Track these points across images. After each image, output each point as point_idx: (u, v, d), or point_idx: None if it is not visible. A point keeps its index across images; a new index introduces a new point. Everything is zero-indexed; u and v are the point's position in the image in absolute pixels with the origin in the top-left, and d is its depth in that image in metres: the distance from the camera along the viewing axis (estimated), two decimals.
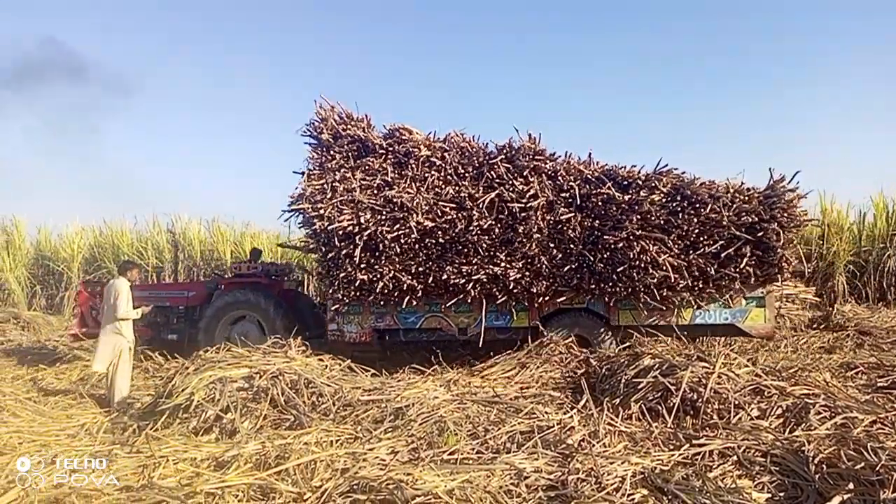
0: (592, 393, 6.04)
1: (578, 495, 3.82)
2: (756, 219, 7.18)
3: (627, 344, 7.63)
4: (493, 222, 7.44)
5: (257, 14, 46.42)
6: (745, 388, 5.57)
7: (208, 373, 5.99)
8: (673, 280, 7.24)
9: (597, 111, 48.38)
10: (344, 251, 7.49)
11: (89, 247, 17.82)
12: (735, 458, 4.41)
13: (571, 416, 5.38)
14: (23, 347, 11.24)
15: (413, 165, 7.82)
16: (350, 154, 8.09)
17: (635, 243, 7.20)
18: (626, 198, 7.37)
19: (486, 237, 7.43)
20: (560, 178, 7.70)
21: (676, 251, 7.27)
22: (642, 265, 7.22)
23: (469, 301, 7.80)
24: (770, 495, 3.95)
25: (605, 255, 7.35)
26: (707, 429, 5.08)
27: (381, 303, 8.00)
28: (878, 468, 3.93)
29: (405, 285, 7.59)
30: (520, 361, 7.31)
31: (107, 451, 4.98)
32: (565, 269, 7.50)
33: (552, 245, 7.51)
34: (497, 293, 7.66)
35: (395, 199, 7.44)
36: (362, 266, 7.50)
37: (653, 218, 7.26)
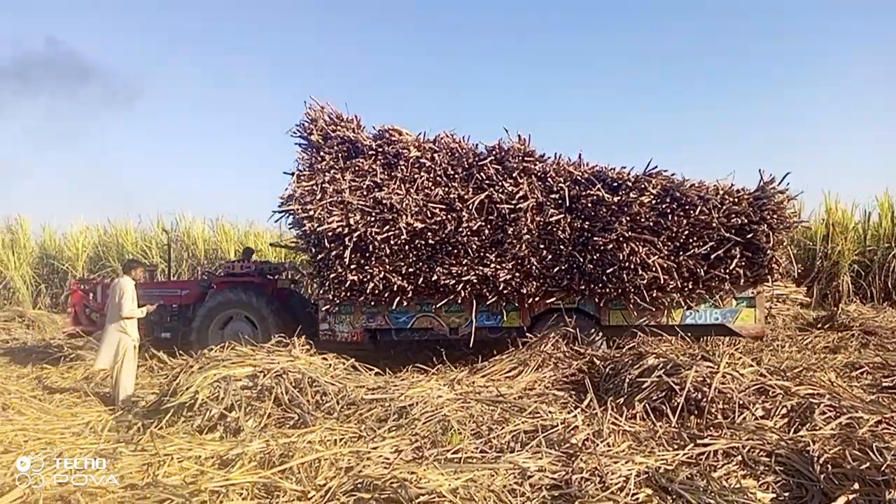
0: (596, 392, 6.03)
1: (582, 494, 3.81)
2: (746, 220, 7.23)
3: (632, 343, 7.62)
4: (483, 223, 7.48)
5: (257, 14, 46.57)
6: (750, 387, 5.55)
7: (212, 371, 6.00)
8: (662, 281, 7.30)
9: (597, 111, 48.47)
10: (334, 252, 7.53)
11: (93, 246, 17.88)
12: (739, 457, 4.40)
13: (575, 416, 5.38)
14: (28, 346, 11.28)
15: (403, 166, 7.83)
16: (340, 155, 8.08)
17: (625, 245, 7.25)
18: (616, 199, 7.40)
19: (476, 238, 7.47)
20: (550, 179, 7.74)
21: (666, 252, 7.33)
22: (632, 266, 7.27)
23: (460, 301, 7.83)
24: (775, 495, 3.94)
25: (595, 257, 7.40)
26: (711, 428, 5.07)
27: (372, 303, 8.03)
28: (883, 468, 3.92)
29: (395, 286, 7.63)
30: (522, 361, 7.30)
31: (111, 449, 4.99)
32: (555, 269, 7.54)
33: (542, 246, 7.54)
34: (487, 294, 7.69)
35: (384, 201, 7.47)
36: (352, 267, 7.55)
37: (642, 219, 7.30)
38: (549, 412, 5.52)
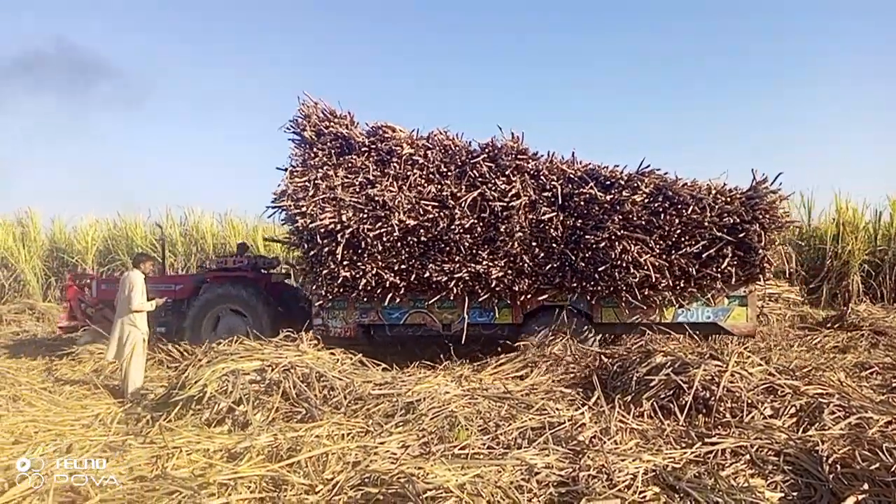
0: (604, 390, 6.02)
1: (589, 492, 3.80)
2: (738, 219, 7.22)
3: (640, 342, 7.63)
4: (476, 221, 7.48)
5: (258, 14, 46.64)
6: (759, 386, 5.53)
7: (221, 365, 6.03)
8: (654, 279, 7.30)
9: (597, 111, 48.30)
10: (326, 248, 7.55)
11: (103, 239, 17.97)
12: (748, 456, 4.39)
13: (583, 413, 5.37)
14: (38, 338, 11.38)
15: (396, 163, 7.82)
16: (333, 151, 8.06)
17: (617, 243, 7.24)
18: (609, 198, 7.38)
19: (469, 236, 7.47)
20: (543, 177, 7.73)
21: (658, 251, 7.32)
22: (624, 265, 7.26)
23: (452, 298, 7.83)
24: (783, 494, 3.92)
25: (587, 255, 7.41)
26: (720, 427, 5.05)
27: (365, 299, 8.06)
28: (893, 469, 3.89)
29: (388, 282, 7.65)
30: (532, 363, 7.28)
31: (120, 441, 5.03)
32: (547, 267, 7.55)
33: (534, 244, 7.54)
34: (479, 291, 7.71)
35: (377, 198, 7.48)
36: (345, 263, 7.58)
37: (635, 218, 7.29)
38: (557, 409, 5.51)
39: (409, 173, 7.74)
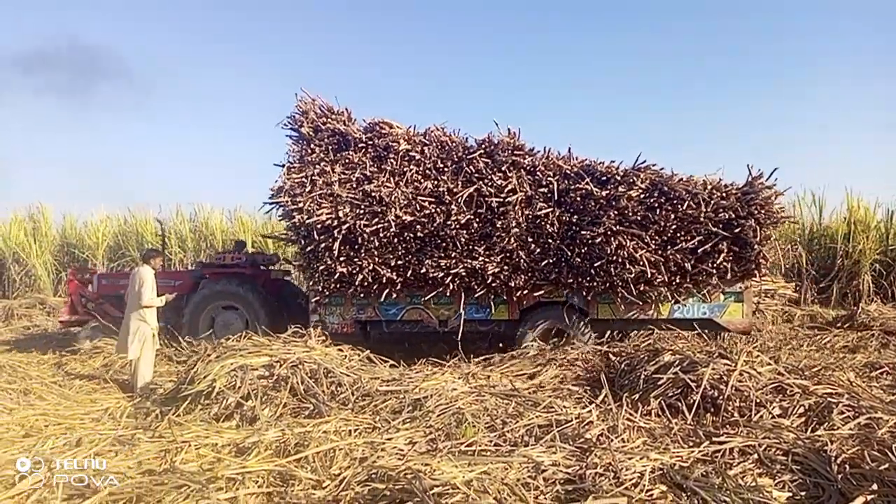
0: (611, 388, 6.01)
1: (596, 490, 3.80)
2: (733, 215, 7.20)
3: (649, 340, 7.61)
4: (472, 217, 7.49)
5: (257, 14, 46.72)
6: (767, 386, 5.49)
7: (229, 360, 6.07)
8: (650, 275, 7.28)
9: (597, 111, 48.21)
10: (323, 244, 7.57)
11: (113, 235, 18.09)
12: (756, 456, 4.36)
13: (590, 411, 5.36)
14: (48, 332, 11.48)
15: (392, 159, 7.81)
16: (330, 147, 8.04)
17: (613, 238, 7.24)
18: (605, 193, 7.38)
19: (465, 231, 7.48)
20: (539, 173, 7.72)
21: (654, 247, 7.32)
22: (619, 260, 7.26)
23: (449, 294, 7.85)
24: (791, 494, 3.90)
25: (583, 250, 7.40)
26: (728, 426, 5.02)
27: (362, 295, 8.08)
28: None
29: (384, 278, 7.67)
30: (542, 364, 7.26)
31: (129, 435, 5.07)
32: (543, 263, 7.55)
33: (530, 239, 7.55)
34: (476, 287, 7.72)
35: (373, 194, 7.49)
36: (341, 259, 7.59)
37: (630, 213, 7.28)
38: (564, 407, 5.51)
39: (405, 169, 7.73)
